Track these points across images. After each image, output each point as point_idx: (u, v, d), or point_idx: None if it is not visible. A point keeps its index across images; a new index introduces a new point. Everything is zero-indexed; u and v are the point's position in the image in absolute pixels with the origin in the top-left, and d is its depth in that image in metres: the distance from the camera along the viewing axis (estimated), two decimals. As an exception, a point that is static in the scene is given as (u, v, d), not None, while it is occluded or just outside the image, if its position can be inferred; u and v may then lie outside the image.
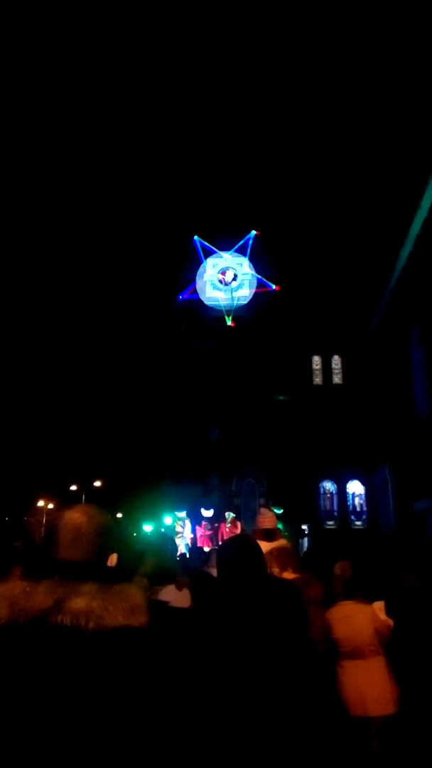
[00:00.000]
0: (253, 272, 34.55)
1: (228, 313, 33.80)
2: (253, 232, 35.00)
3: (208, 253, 35.33)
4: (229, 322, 33.64)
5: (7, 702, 1.16)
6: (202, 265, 35.05)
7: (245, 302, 34.24)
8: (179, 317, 34.08)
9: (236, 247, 35.27)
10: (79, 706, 1.16)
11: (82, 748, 1.14)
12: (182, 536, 21.61)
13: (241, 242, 35.26)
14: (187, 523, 23.19)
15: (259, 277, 34.44)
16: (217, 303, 34.32)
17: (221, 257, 35.35)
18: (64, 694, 1.17)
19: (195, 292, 34.60)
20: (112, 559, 1.43)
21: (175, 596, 3.37)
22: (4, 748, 1.13)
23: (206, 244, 35.02)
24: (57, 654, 1.20)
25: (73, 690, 1.17)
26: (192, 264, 35.01)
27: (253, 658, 1.77)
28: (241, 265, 35.15)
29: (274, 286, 34.15)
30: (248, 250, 35.00)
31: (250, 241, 35.11)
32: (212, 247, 35.27)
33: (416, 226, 18.04)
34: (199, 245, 35.03)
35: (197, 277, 34.83)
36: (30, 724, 1.14)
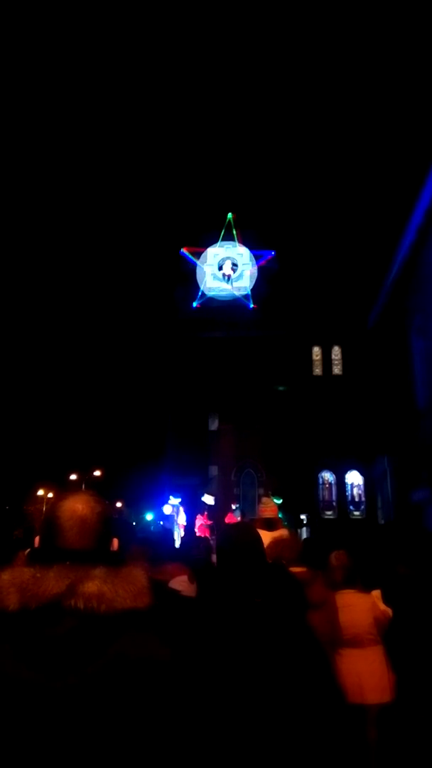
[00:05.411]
0: (252, 277, 34.34)
1: (202, 296, 33.71)
2: (272, 252, 34.72)
3: (227, 238, 34.99)
4: (195, 304, 33.53)
5: (26, 685, 1.19)
6: (203, 254, 34.89)
7: (245, 293, 34.16)
8: (178, 305, 33.99)
9: (252, 252, 35.03)
10: (96, 686, 1.20)
11: (99, 723, 1.18)
12: (176, 524, 21.62)
13: (257, 252, 35.02)
14: (181, 510, 23.17)
15: (249, 293, 34.18)
16: (216, 293, 34.23)
17: (222, 247, 35.18)
18: (81, 674, 1.20)
19: (196, 257, 34.49)
20: (114, 544, 1.47)
21: (187, 587, 3.43)
22: (24, 729, 1.16)
23: (233, 228, 34.60)
24: (73, 636, 1.23)
25: (91, 670, 1.21)
26: (205, 237, 34.72)
27: (251, 644, 1.78)
28: (242, 255, 35.03)
29: (251, 306, 33.91)
30: (259, 262, 34.80)
31: (266, 256, 34.86)
32: (234, 235, 34.89)
33: (417, 216, 17.97)
34: (228, 223, 34.74)
35: (198, 267, 34.70)
36: (46, 703, 1.18)
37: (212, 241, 34.87)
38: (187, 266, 34.61)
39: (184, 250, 34.65)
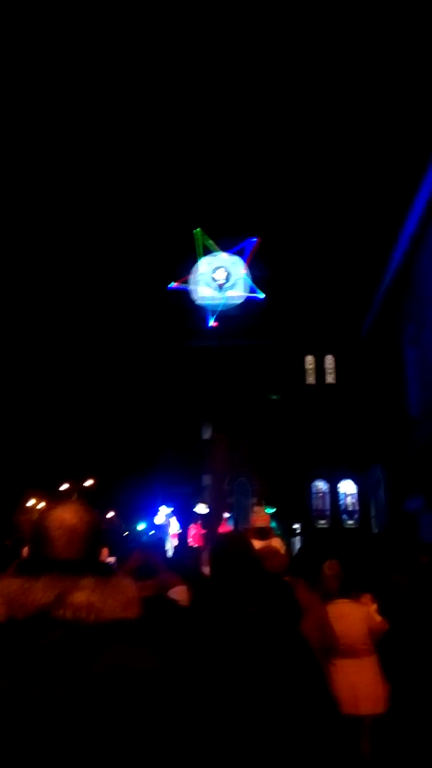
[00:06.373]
0: (247, 275, 34.53)
1: (213, 313, 33.82)
2: (254, 239, 34.95)
3: (206, 251, 35.21)
4: (211, 323, 33.64)
5: (13, 697, 1.17)
6: (197, 262, 35.05)
7: (237, 302, 34.28)
8: (172, 315, 34.08)
9: (235, 249, 35.22)
10: (83, 698, 1.18)
11: (89, 736, 1.15)
12: (167, 533, 21.55)
13: (240, 246, 35.18)
14: (173, 520, 23.12)
15: (252, 285, 34.41)
16: (208, 302, 34.33)
17: (216, 256, 35.35)
18: (69, 686, 1.18)
19: (186, 283, 34.55)
20: (104, 554, 1.45)
21: (185, 597, 3.41)
22: (12, 742, 1.14)
23: (207, 240, 34.86)
24: (61, 647, 1.22)
25: (78, 682, 1.19)
26: (188, 260, 34.96)
27: (246, 654, 1.76)
28: (236, 264, 35.17)
29: (263, 296, 34.07)
30: (246, 255, 34.96)
31: (249, 247, 35.02)
32: (212, 244, 35.12)
33: (410, 225, 18.09)
34: (199, 240, 34.93)
35: (191, 274, 34.84)
36: (34, 715, 1.15)
37: (221, 245, 34.98)
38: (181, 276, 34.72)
39: (172, 285, 34.83)
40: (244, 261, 34.85)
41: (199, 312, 34.25)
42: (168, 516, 23.12)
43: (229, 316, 33.99)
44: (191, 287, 34.42)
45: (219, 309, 33.70)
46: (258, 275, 34.59)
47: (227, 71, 52.88)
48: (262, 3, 46.75)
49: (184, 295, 34.27)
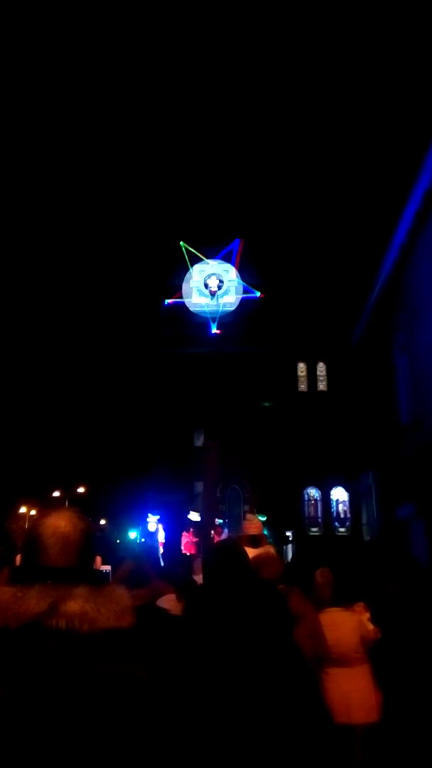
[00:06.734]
0: (239, 279, 34.70)
1: (213, 320, 33.90)
2: (238, 240, 35.16)
3: (195, 260, 35.37)
4: (214, 330, 33.72)
5: (8, 707, 1.16)
6: (189, 271, 35.11)
7: (231, 309, 34.35)
8: (165, 323, 34.09)
9: (222, 253, 35.36)
10: (77, 709, 1.17)
11: (81, 748, 1.14)
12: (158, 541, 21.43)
13: (227, 249, 35.36)
14: (160, 528, 23.01)
15: (245, 284, 34.58)
16: (202, 309, 34.40)
17: (207, 264, 35.44)
18: (62, 696, 1.17)
19: (181, 297, 34.61)
20: (97, 562, 1.45)
21: (174, 606, 3.40)
22: (10, 747, 1.13)
23: (192, 250, 35.13)
24: (55, 657, 1.20)
25: (71, 692, 1.18)
26: (179, 270, 35.08)
27: (239, 664, 1.75)
28: (228, 272, 35.27)
29: (258, 294, 34.27)
30: (234, 257, 35.15)
31: (236, 249, 35.21)
32: (198, 254, 35.36)
33: (400, 235, 18.22)
34: (185, 251, 35.13)
35: (183, 283, 34.90)
36: (30, 726, 1.14)
37: (210, 253, 35.11)
38: (179, 284, 34.87)
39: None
40: (233, 264, 35.04)
41: (193, 319, 34.30)
42: (157, 523, 23.03)
43: (222, 323, 34.09)
44: (185, 298, 34.50)
45: (218, 315, 33.84)
46: (250, 283, 34.76)
47: (207, 78, 53.12)
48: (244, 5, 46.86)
49: (179, 305, 34.37)
